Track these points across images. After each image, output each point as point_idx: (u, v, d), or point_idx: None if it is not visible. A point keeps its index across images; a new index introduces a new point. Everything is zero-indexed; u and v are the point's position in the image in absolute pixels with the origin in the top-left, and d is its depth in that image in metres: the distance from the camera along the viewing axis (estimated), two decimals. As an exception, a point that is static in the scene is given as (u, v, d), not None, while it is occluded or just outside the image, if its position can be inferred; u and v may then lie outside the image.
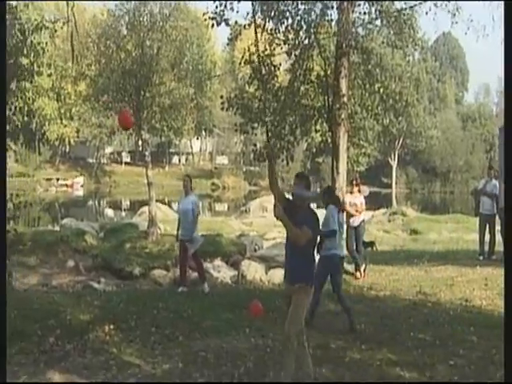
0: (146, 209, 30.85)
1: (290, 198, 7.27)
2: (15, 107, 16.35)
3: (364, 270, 15.32)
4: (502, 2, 6.73)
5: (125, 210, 58.35)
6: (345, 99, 15.77)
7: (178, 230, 14.22)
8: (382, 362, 8.05)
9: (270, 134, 8.15)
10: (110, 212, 56.67)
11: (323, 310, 11.34)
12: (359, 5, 16.36)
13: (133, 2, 26.04)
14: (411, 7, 16.82)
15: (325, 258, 10.38)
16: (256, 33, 8.14)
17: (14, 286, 15.94)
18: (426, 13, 16.99)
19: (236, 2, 16.31)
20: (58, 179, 78.11)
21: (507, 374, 5.10)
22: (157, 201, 27.79)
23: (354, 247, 15.55)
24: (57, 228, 29.67)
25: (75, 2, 4.95)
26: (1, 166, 5.08)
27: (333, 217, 10.98)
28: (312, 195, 7.49)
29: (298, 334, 7.00)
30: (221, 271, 17.92)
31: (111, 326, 9.18)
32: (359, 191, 15.80)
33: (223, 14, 16.62)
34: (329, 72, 16.10)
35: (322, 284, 10.66)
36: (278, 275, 18.02)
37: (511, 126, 5.72)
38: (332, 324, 10.25)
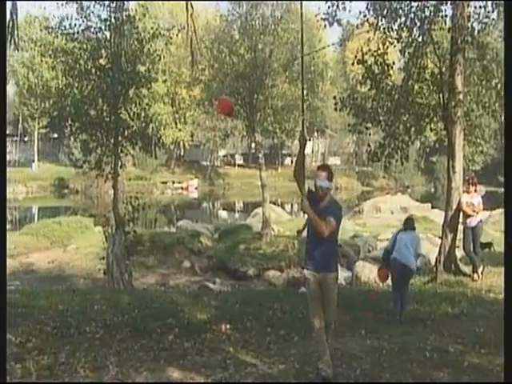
0: (259, 210, 31.12)
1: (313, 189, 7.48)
2: (133, 113, 16.85)
3: (482, 272, 14.89)
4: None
5: (238, 211, 59.02)
6: (460, 96, 15.39)
7: (302, 229, 14.44)
8: (502, 367, 7.77)
9: (304, 121, 8.33)
10: (223, 214, 57.46)
11: (441, 312, 11.12)
12: (474, -2, 15.90)
13: (245, 7, 26.39)
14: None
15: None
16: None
17: (134, 285, 16.46)
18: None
19: (348, 1, 16.26)
20: (173, 182, 79.86)
21: (507, 373, 5.03)
22: (270, 202, 27.99)
23: (472, 248, 15.14)
24: (173, 230, 30.51)
25: (193, 1, 5.06)
26: (1, 167, 5.25)
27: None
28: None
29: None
30: (335, 272, 17.86)
31: (228, 326, 9.33)
32: (475, 191, 15.41)
33: (335, 15, 16.59)
34: (443, 69, 15.74)
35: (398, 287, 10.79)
36: (392, 277, 17.78)
37: (511, 125, 5.62)
38: (450, 327, 10.00)
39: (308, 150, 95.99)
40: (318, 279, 7.42)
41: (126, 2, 16.56)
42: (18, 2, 4.61)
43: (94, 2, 16.50)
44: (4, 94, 5.21)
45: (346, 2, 16.32)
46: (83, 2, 16.58)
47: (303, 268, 7.90)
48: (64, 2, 16.89)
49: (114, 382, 6.99)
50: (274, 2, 26.92)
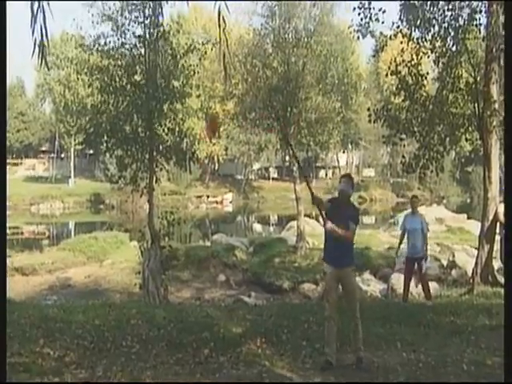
0: (293, 223, 31.08)
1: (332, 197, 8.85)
2: (168, 128, 16.97)
3: (521, 284, 14.63)
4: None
5: (273, 224, 58.99)
6: (496, 105, 15.23)
7: (399, 246, 14.57)
8: (543, 379, 7.63)
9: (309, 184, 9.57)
10: (258, 227, 57.46)
11: (478, 324, 10.97)
12: (509, 5, 15.72)
13: (278, 21, 26.48)
14: None
15: None
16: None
17: (170, 299, 16.51)
18: None
19: (381, 12, 16.22)
20: (208, 196, 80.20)
21: (507, 374, 5.05)
22: (304, 215, 27.92)
23: (509, 259, 14.94)
24: (208, 244, 30.60)
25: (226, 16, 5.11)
26: (1, 168, 5.30)
27: None
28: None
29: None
30: (370, 285, 17.80)
31: (263, 340, 9.29)
32: (514, 200, 15.21)
33: (368, 26, 16.56)
34: (478, 78, 15.61)
35: None
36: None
37: (511, 126, 5.56)
38: (488, 340, 9.85)
39: (342, 163, 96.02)
40: (336, 273, 8.30)
41: (160, 19, 16.72)
42: (51, 21, 4.68)
43: (128, 20, 16.73)
44: (4, 94, 5.30)
45: (379, 13, 16.29)
46: (118, 20, 16.82)
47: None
48: (99, 20, 17.15)
49: (111, 382, 7.01)
50: (307, 15, 27.01)
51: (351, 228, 8.18)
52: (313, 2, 27.16)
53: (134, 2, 16.56)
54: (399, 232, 15.77)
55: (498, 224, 15.28)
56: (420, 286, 15.34)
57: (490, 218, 15.39)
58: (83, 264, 25.59)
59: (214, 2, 5.00)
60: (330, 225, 8.08)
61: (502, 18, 15.25)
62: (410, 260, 14.32)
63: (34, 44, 4.63)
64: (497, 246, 15.87)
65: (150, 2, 16.36)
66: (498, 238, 15.71)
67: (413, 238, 14.10)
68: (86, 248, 27.07)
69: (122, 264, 24.51)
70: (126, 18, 16.78)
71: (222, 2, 5.04)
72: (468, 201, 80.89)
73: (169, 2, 16.91)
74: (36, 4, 4.57)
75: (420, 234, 14.03)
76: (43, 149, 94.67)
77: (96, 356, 8.45)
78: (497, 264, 16.38)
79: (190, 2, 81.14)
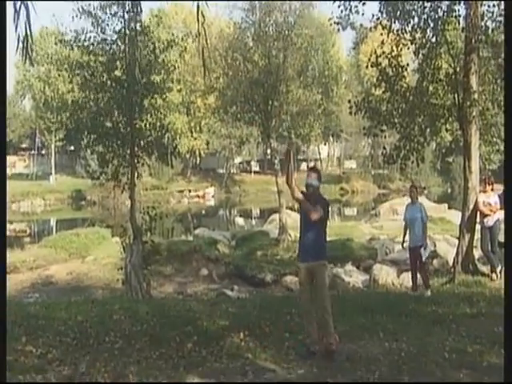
0: (275, 216, 31.11)
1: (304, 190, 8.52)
2: (149, 123, 16.91)
3: (500, 272, 14.76)
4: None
5: (255, 218, 59.04)
6: (475, 96, 15.33)
7: (403, 237, 14.58)
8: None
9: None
10: (240, 221, 57.51)
11: (459, 313, 11.05)
12: (488, -4, 15.80)
13: (258, 14, 26.48)
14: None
15: None
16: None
17: (152, 294, 16.49)
18: None
19: (361, 4, 16.25)
20: (190, 190, 80.00)
21: (507, 374, 5.05)
22: (286, 208, 27.97)
23: (489, 248, 15.08)
24: (190, 238, 30.57)
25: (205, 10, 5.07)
26: (1, 167, 5.30)
27: None
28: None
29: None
30: (352, 276, 17.86)
31: (246, 333, 9.30)
32: (492, 190, 15.36)
33: (348, 18, 16.60)
34: (458, 69, 15.69)
35: None
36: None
37: (511, 127, 5.63)
38: (469, 328, 9.93)
39: (324, 155, 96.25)
40: (308, 268, 8.51)
41: (139, 13, 16.62)
42: (32, 17, 4.65)
43: (108, 15, 16.63)
44: (4, 94, 5.28)
45: (359, 6, 16.32)
46: (98, 15, 16.72)
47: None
48: (79, 16, 17.01)
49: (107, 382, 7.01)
50: (287, 8, 27.01)
51: (316, 208, 8.17)
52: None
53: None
54: (380, 223, 15.83)
55: (478, 213, 15.40)
56: (402, 276, 15.41)
57: (471, 207, 15.50)
58: (65, 261, 25.48)
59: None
60: (298, 192, 8.26)
61: (480, 9, 15.36)
62: (412, 249, 14.26)
63: (18, 40, 4.60)
64: (477, 236, 15.99)
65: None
66: (478, 227, 15.83)
67: (413, 228, 14.05)
68: (67, 245, 26.95)
69: (104, 260, 24.45)
70: (105, 12, 16.69)
71: (202, -4, 5.04)
72: (449, 191, 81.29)
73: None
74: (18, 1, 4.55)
75: (420, 223, 14.03)
76: (23, 146, 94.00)
77: (79, 352, 8.42)
78: (477, 253, 16.51)
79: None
